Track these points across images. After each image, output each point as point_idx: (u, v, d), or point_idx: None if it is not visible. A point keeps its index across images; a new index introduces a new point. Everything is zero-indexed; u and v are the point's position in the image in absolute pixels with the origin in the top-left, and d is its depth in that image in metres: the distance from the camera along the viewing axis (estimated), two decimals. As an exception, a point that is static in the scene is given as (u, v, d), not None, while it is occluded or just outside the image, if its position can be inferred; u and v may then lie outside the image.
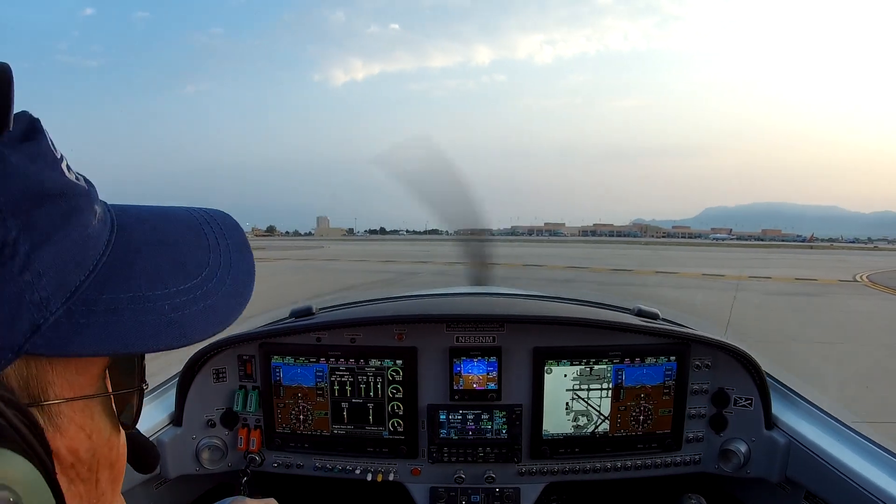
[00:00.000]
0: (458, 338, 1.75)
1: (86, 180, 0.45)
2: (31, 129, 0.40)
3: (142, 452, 0.55)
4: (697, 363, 1.74)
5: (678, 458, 1.77)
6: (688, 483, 1.80)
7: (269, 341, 1.75)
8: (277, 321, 1.90)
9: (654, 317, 1.84)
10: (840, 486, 1.44)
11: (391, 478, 1.77)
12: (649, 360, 1.72)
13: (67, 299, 0.39)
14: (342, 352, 1.73)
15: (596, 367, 1.71)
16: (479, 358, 1.74)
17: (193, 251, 0.50)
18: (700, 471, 1.78)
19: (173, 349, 0.44)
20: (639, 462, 1.75)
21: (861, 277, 23.25)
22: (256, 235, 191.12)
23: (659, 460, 1.76)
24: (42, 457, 0.36)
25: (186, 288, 0.46)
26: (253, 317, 1.88)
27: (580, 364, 1.71)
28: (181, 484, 1.78)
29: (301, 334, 1.74)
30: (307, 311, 1.85)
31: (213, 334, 0.47)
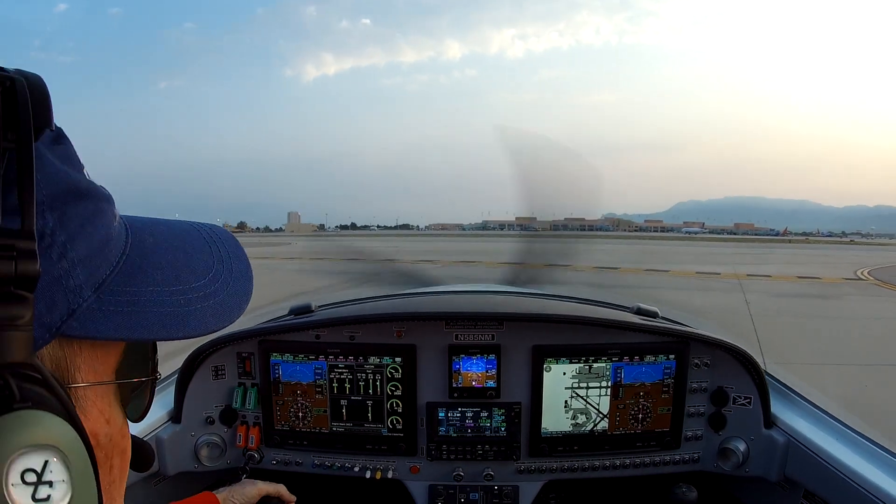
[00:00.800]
0: (457, 335, 1.74)
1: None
2: (60, 134, 0.45)
3: (137, 450, 0.58)
4: (696, 361, 1.74)
5: (677, 457, 1.77)
6: (686, 481, 1.81)
7: (269, 338, 1.75)
8: (276, 318, 1.89)
9: (654, 315, 1.84)
10: (839, 485, 1.44)
11: (390, 475, 1.77)
12: (648, 358, 1.72)
13: (96, 289, 0.45)
14: (341, 349, 1.73)
15: (595, 365, 1.71)
16: (479, 356, 1.73)
17: (199, 255, 0.55)
18: (699, 469, 1.78)
19: (187, 339, 0.50)
20: (637, 460, 1.75)
21: (863, 274, 22.47)
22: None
23: (658, 459, 1.76)
24: (80, 426, 0.41)
25: (197, 286, 0.52)
26: (252, 311, 1.88)
27: (579, 362, 1.71)
28: (180, 481, 1.78)
29: (300, 331, 1.74)
30: (306, 309, 1.85)
31: (222, 327, 0.53)
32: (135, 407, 0.56)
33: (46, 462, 0.37)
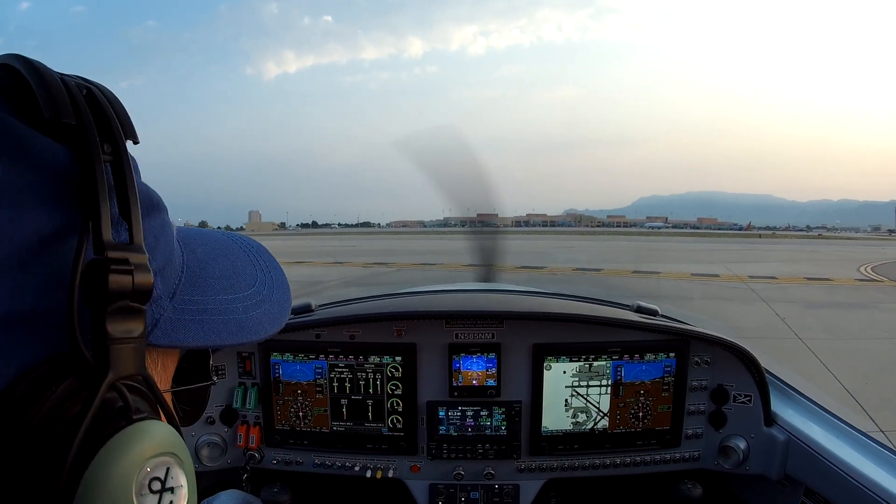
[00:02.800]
0: (457, 334, 1.75)
1: None
2: None
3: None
4: (697, 360, 1.74)
5: (677, 455, 1.77)
6: (687, 479, 1.81)
7: (269, 338, 1.74)
8: None
9: (654, 313, 1.84)
10: (839, 483, 1.44)
11: (390, 474, 1.77)
12: (648, 356, 1.72)
13: (171, 299, 0.46)
14: (341, 348, 1.73)
15: (595, 363, 1.71)
16: (479, 354, 1.74)
17: (244, 265, 0.57)
18: (699, 467, 1.78)
19: (246, 344, 0.53)
20: (638, 459, 1.75)
21: (867, 271, 20.61)
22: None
23: (658, 457, 1.76)
24: (181, 430, 0.42)
25: (248, 294, 0.54)
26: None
27: (579, 360, 1.71)
28: None
29: (300, 331, 1.74)
30: (306, 308, 1.85)
31: (274, 333, 0.56)
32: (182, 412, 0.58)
33: (168, 469, 0.38)
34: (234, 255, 0.58)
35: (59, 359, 0.36)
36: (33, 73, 0.38)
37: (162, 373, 0.49)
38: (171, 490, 0.37)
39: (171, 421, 0.41)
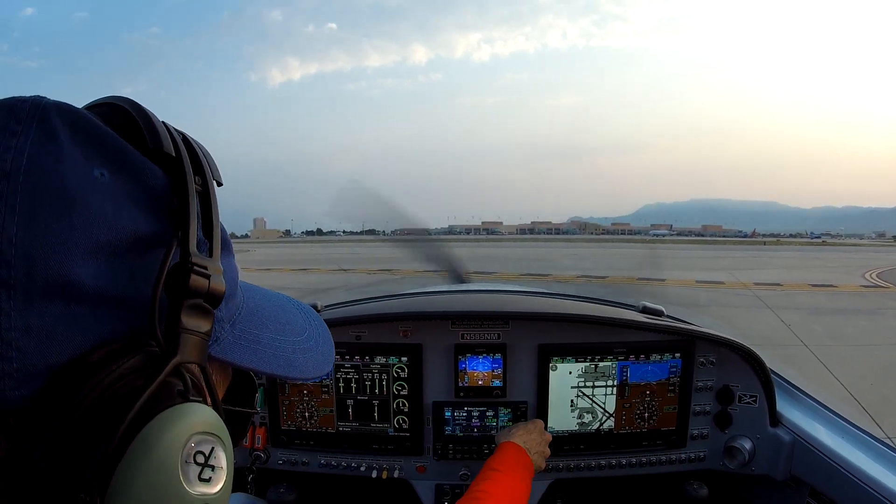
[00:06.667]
0: (463, 335, 1.75)
1: None
2: None
3: None
4: (702, 360, 1.74)
5: (683, 456, 1.77)
6: (693, 480, 1.80)
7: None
8: None
9: (659, 314, 1.84)
10: (845, 484, 1.44)
11: (396, 475, 1.77)
12: (654, 357, 1.72)
13: (232, 325, 0.52)
14: (347, 349, 1.74)
15: (601, 364, 1.72)
16: (485, 355, 1.74)
17: (294, 317, 0.63)
18: (705, 468, 1.78)
19: (290, 380, 0.62)
20: (643, 459, 1.75)
21: (872, 277, 20.48)
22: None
23: (664, 457, 1.76)
24: (220, 411, 0.47)
25: (297, 340, 0.60)
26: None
27: (585, 361, 1.72)
28: None
29: None
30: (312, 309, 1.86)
31: (315, 376, 0.61)
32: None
33: (213, 448, 0.42)
34: (287, 308, 0.64)
35: (134, 339, 0.42)
36: (140, 112, 0.46)
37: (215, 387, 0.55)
38: (213, 468, 0.41)
39: (218, 413, 0.45)
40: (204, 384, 0.46)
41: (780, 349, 8.15)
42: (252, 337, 0.54)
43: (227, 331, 0.52)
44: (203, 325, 0.44)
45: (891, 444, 1.50)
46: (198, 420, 0.41)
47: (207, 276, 0.44)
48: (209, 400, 0.46)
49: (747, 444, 1.71)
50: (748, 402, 1.73)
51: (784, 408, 1.71)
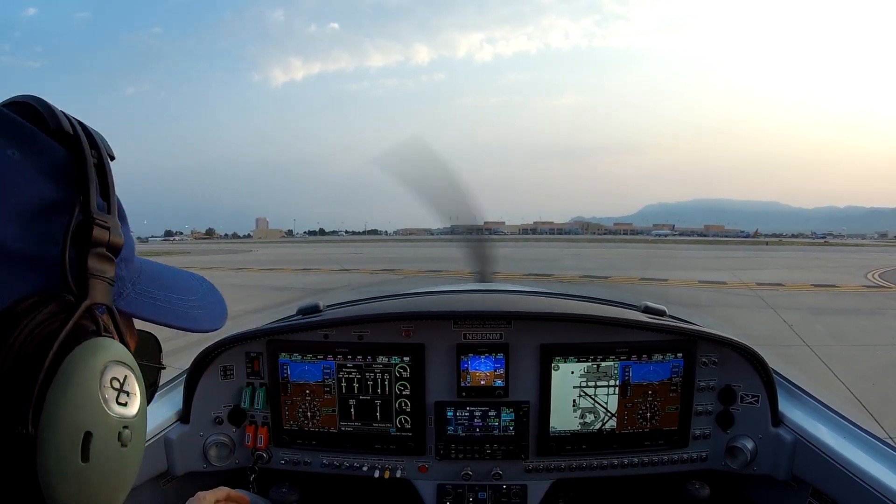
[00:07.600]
0: (465, 335, 1.75)
1: None
2: None
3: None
4: (704, 360, 1.74)
5: (685, 455, 1.77)
6: (695, 480, 1.80)
7: (277, 338, 1.76)
8: (285, 318, 1.90)
9: (661, 314, 1.84)
10: (846, 484, 1.44)
11: (398, 475, 1.77)
12: (656, 356, 1.72)
13: (133, 284, 0.62)
14: (350, 349, 1.74)
15: (603, 364, 1.72)
16: (487, 355, 1.74)
17: (190, 282, 0.73)
18: (707, 468, 1.78)
19: (188, 331, 0.67)
20: (646, 459, 1.75)
21: (875, 277, 20.44)
22: (196, 238, 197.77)
23: (666, 457, 1.76)
24: (129, 347, 0.55)
25: (192, 300, 0.70)
26: (259, 311, 1.90)
27: (587, 361, 1.72)
28: (189, 481, 1.78)
29: (308, 331, 1.75)
30: (314, 309, 1.86)
31: (212, 329, 0.71)
32: None
33: (126, 376, 0.51)
34: (183, 276, 0.74)
35: (52, 290, 0.49)
36: (42, 103, 0.54)
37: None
38: (128, 394, 0.50)
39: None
40: (113, 327, 0.54)
41: (781, 349, 8.11)
42: (151, 295, 0.63)
43: (129, 288, 0.61)
44: (108, 271, 0.52)
45: (892, 443, 1.50)
46: (110, 351, 0.50)
47: (108, 228, 0.52)
48: (118, 338, 0.53)
49: (749, 444, 1.71)
50: (750, 402, 1.73)
51: (786, 408, 1.71)
